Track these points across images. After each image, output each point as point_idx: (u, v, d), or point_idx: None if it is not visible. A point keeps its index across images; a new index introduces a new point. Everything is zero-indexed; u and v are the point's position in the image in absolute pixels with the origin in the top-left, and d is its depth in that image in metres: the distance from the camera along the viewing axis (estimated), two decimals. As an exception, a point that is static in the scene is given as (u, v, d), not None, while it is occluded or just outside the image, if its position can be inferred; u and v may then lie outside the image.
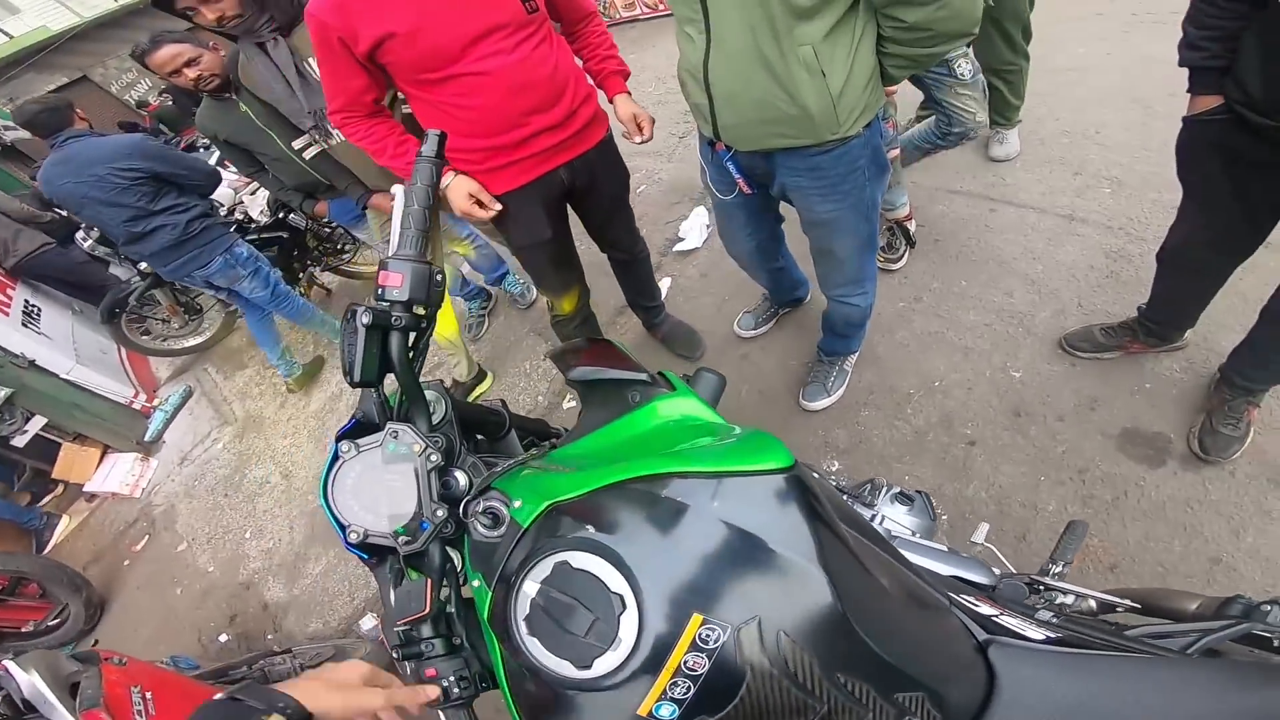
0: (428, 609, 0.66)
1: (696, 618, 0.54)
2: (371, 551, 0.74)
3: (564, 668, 0.56)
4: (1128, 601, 1.07)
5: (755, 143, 1.48)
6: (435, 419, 0.78)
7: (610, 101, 1.84)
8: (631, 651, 0.54)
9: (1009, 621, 0.80)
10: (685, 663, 0.53)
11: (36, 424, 3.69)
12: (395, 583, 0.73)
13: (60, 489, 4.03)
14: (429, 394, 0.80)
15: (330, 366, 3.85)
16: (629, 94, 1.83)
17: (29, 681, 1.53)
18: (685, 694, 0.53)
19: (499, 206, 1.71)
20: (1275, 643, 0.86)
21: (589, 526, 0.60)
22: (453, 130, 1.62)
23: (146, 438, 3.78)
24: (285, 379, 3.70)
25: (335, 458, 0.73)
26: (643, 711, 0.54)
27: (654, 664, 0.54)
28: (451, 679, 0.67)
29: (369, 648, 2.30)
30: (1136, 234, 2.37)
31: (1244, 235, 1.55)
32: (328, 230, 4.07)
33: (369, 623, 2.47)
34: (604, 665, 0.55)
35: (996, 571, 1.10)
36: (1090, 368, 2.04)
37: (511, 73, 1.52)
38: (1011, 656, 0.69)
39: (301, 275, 4.03)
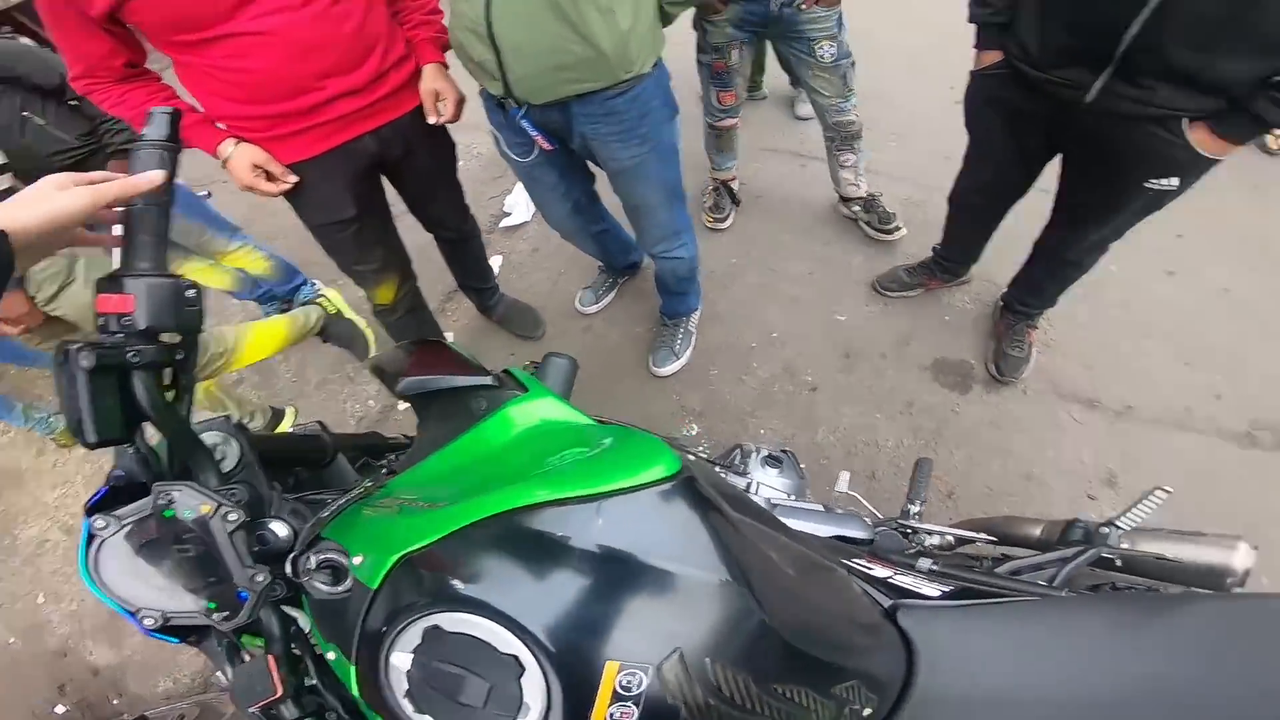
0: (278, 692, 0.54)
1: (611, 665, 0.47)
2: (183, 633, 0.60)
3: None
4: (983, 535, 1.18)
5: (549, 92, 1.42)
6: (227, 466, 0.62)
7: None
8: (544, 717, 0.47)
9: (904, 581, 0.82)
10: (611, 715, 0.47)
11: None
12: (230, 659, 0.61)
13: None
14: (210, 437, 0.63)
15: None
16: (443, 65, 1.59)
17: None
18: None
19: (293, 178, 1.47)
20: (1117, 562, 0.98)
21: (453, 581, 0.50)
22: (227, 98, 1.35)
23: None
24: (50, 438, 2.99)
25: (90, 536, 0.54)
26: None
27: None
28: None
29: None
30: (923, 183, 2.65)
31: (1018, 179, 1.77)
32: None
33: (222, 679, 2.14)
34: None
35: (869, 522, 1.15)
36: (900, 306, 2.28)
37: (299, 31, 1.29)
38: (919, 619, 0.70)
39: None
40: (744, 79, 2.26)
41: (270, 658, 0.55)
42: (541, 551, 0.49)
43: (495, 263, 2.87)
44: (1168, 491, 1.01)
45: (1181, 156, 1.35)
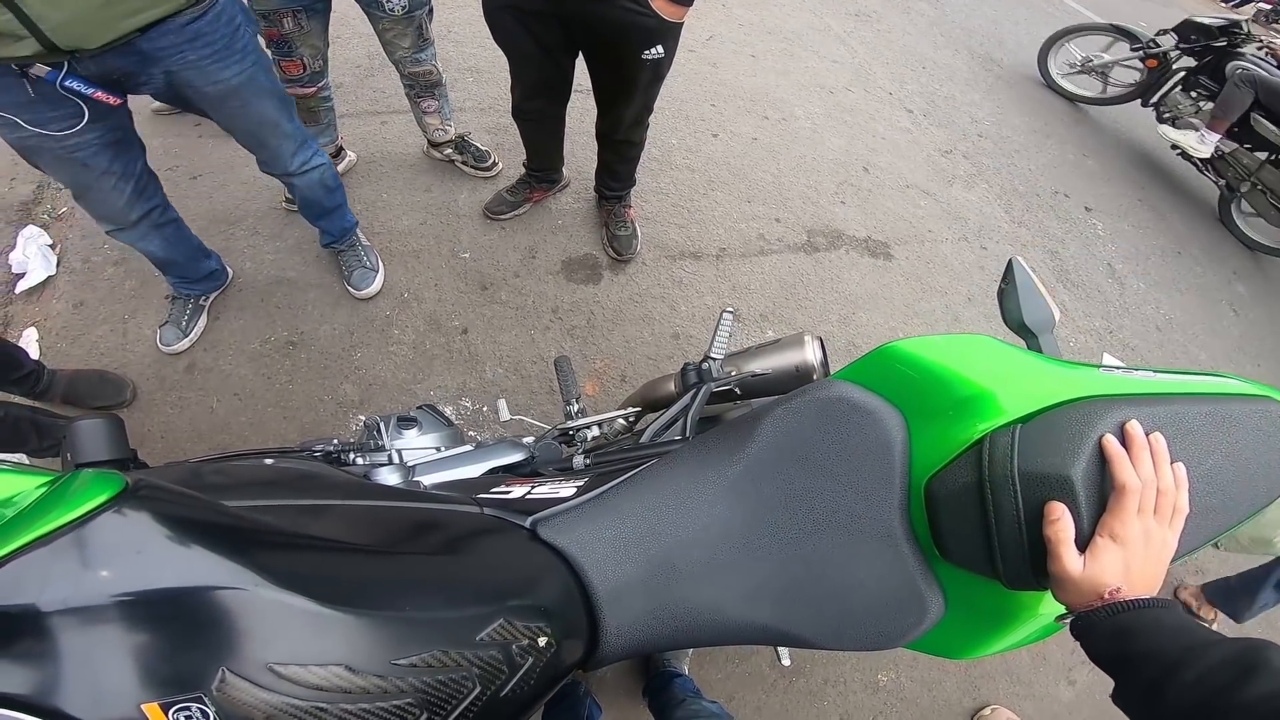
0: None
1: (150, 708, 0.40)
2: None
3: None
4: (634, 409, 1.24)
5: (108, 31, 1.22)
6: None
7: None
8: None
9: (542, 492, 0.80)
10: None
11: None
12: None
13: None
14: None
15: None
16: None
17: None
18: None
19: None
20: (737, 391, 1.07)
21: None
22: None
23: None
24: None
25: None
26: None
27: None
28: None
29: None
30: (498, 109, 2.68)
31: (555, 78, 1.86)
32: None
33: None
34: None
35: (529, 440, 1.14)
36: (516, 225, 2.30)
37: None
38: (557, 527, 0.69)
39: None
40: (314, 46, 1.95)
41: None
42: (7, 621, 0.40)
43: (29, 339, 2.14)
44: (731, 311, 1.13)
45: (654, 24, 1.55)
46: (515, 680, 0.53)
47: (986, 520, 0.61)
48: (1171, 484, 0.58)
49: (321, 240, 2.10)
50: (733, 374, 1.08)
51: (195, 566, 0.43)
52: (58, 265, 2.42)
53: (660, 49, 1.63)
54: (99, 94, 1.34)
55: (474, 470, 1.02)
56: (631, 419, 1.24)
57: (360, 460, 1.01)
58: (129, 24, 1.23)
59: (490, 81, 2.85)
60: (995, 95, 4.15)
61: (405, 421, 1.12)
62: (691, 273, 2.28)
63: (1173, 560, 0.60)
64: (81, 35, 1.20)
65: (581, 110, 2.02)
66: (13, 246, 2.44)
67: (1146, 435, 0.58)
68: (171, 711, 0.40)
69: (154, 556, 0.43)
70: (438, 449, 1.10)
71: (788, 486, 0.72)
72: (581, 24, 1.61)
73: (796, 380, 1.04)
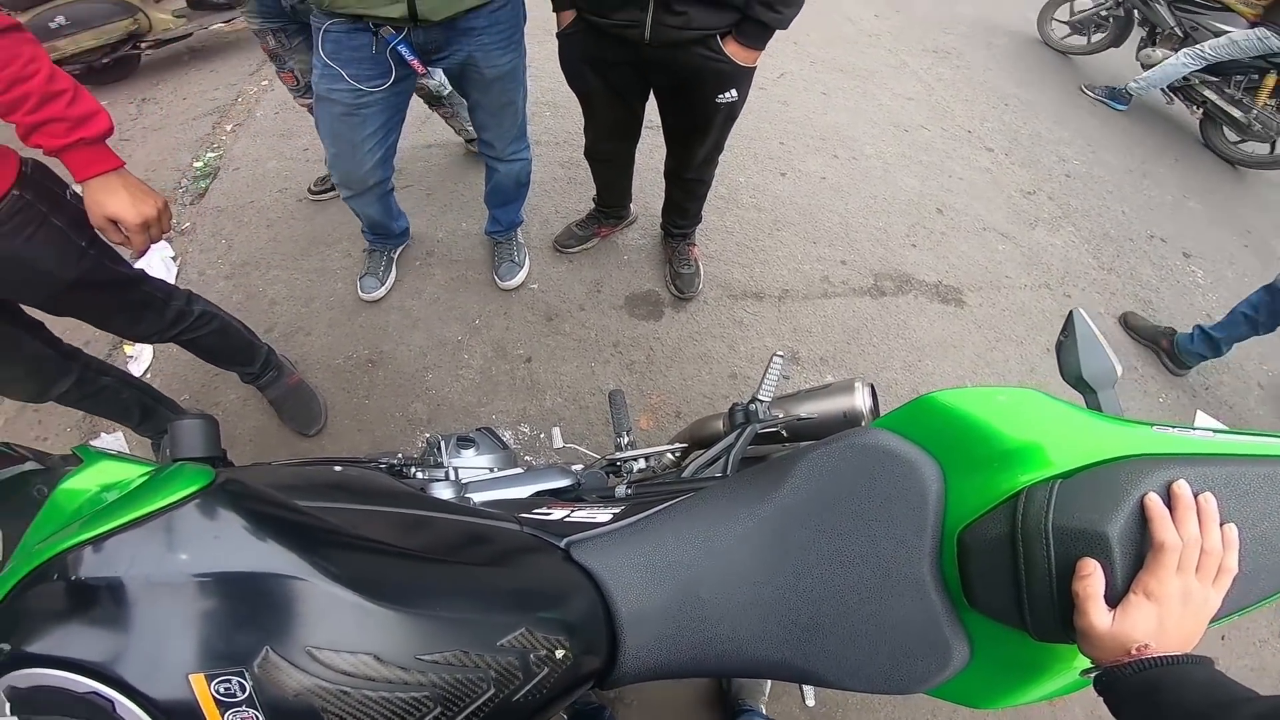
0: None
1: (196, 678, 0.46)
2: None
3: None
4: (681, 445, 1.26)
5: (453, 7, 1.50)
6: None
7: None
8: None
9: (580, 516, 0.84)
10: None
11: None
12: None
13: None
14: None
15: None
16: (110, 173, 1.16)
17: None
18: None
19: None
20: (781, 432, 1.08)
21: (3, 645, 0.48)
22: None
23: None
24: None
25: None
26: None
27: None
28: None
29: None
30: (573, 143, 2.79)
31: (627, 120, 1.94)
32: None
33: None
34: None
35: (577, 468, 1.18)
36: (584, 259, 2.39)
37: None
38: (591, 550, 0.72)
39: None
40: (303, 61, 2.15)
41: None
42: (85, 590, 0.48)
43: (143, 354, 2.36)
44: (782, 355, 1.14)
45: (728, 69, 1.59)
46: (529, 687, 0.56)
47: (1017, 571, 0.60)
48: (1218, 544, 0.56)
49: (487, 227, 2.34)
50: (780, 416, 1.09)
51: (262, 555, 0.49)
52: (176, 276, 2.68)
53: (734, 92, 1.68)
54: (415, 61, 1.58)
55: (522, 491, 1.07)
56: (678, 454, 1.27)
57: (419, 474, 1.08)
58: (467, 3, 1.49)
59: (566, 116, 2.97)
60: (1086, 133, 3.98)
61: (464, 442, 1.20)
62: (753, 313, 2.30)
63: (1215, 621, 0.58)
64: (434, 8, 1.46)
65: (650, 147, 2.08)
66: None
67: (1196, 495, 0.56)
68: (214, 683, 0.46)
69: (228, 544, 0.50)
70: (491, 469, 1.16)
71: (818, 528, 0.73)
72: (657, 70, 1.67)
73: (844, 426, 1.02)
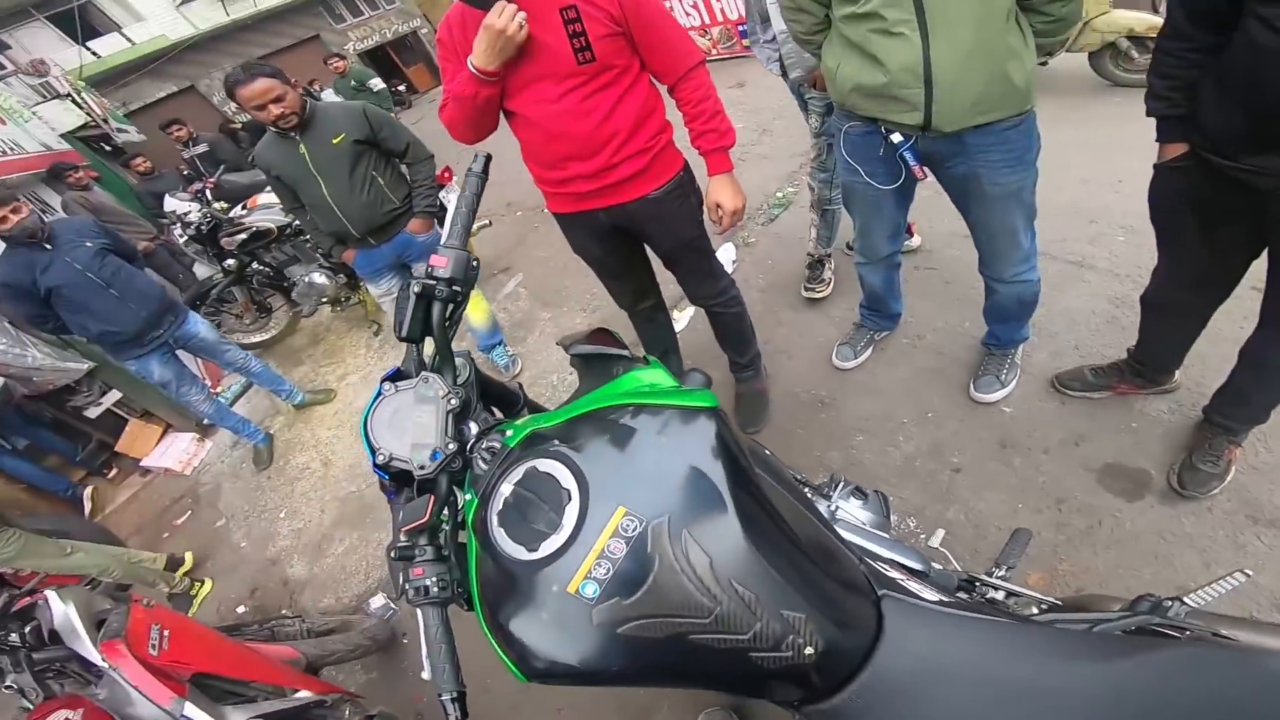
0: (427, 518, 0.78)
1: (620, 509, 0.67)
2: (392, 476, 0.88)
3: (519, 552, 0.70)
4: (1054, 601, 1.12)
5: (962, 121, 1.59)
6: (460, 379, 0.94)
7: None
8: (570, 536, 0.68)
9: (910, 585, 0.89)
10: (608, 547, 0.67)
11: (110, 399, 4.06)
12: (403, 507, 0.86)
13: (113, 472, 4.40)
14: (458, 359, 0.96)
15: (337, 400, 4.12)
16: (727, 174, 1.80)
17: (63, 612, 1.69)
18: (606, 574, 0.66)
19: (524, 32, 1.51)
20: (1182, 636, 0.90)
21: (555, 441, 0.77)
22: (524, 151, 1.80)
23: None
24: (300, 404, 4.02)
25: (378, 394, 0.89)
26: (571, 589, 0.66)
27: (585, 547, 0.67)
28: (433, 580, 0.77)
29: (372, 623, 2.44)
30: (1143, 281, 2.39)
31: (1217, 277, 1.60)
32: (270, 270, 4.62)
33: (378, 601, 2.62)
34: (547, 547, 0.69)
35: (938, 566, 1.17)
36: (1080, 406, 2.08)
37: (551, 120, 1.63)
38: (901, 610, 0.77)
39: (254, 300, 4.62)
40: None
41: (430, 497, 0.80)
42: (609, 431, 0.74)
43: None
44: (1248, 574, 0.92)
45: None
46: (767, 655, 0.67)
47: None
48: None
49: (985, 338, 2.30)
50: (1196, 626, 0.88)
51: (714, 467, 0.69)
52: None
53: None
54: (917, 167, 1.74)
55: (876, 549, 1.12)
56: (1044, 608, 1.11)
57: (808, 492, 1.25)
58: (976, 119, 1.57)
59: (1142, 248, 2.53)
60: None
61: (859, 493, 1.31)
62: (1266, 545, 1.64)
63: None
64: (949, 119, 1.58)
65: (1242, 309, 1.64)
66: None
67: None
68: (626, 517, 0.67)
69: (704, 446, 0.70)
70: (864, 524, 1.25)
71: None
72: None
73: None
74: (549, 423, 0.81)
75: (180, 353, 3.42)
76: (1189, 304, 1.73)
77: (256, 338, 4.82)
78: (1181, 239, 1.60)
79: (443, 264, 0.91)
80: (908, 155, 1.72)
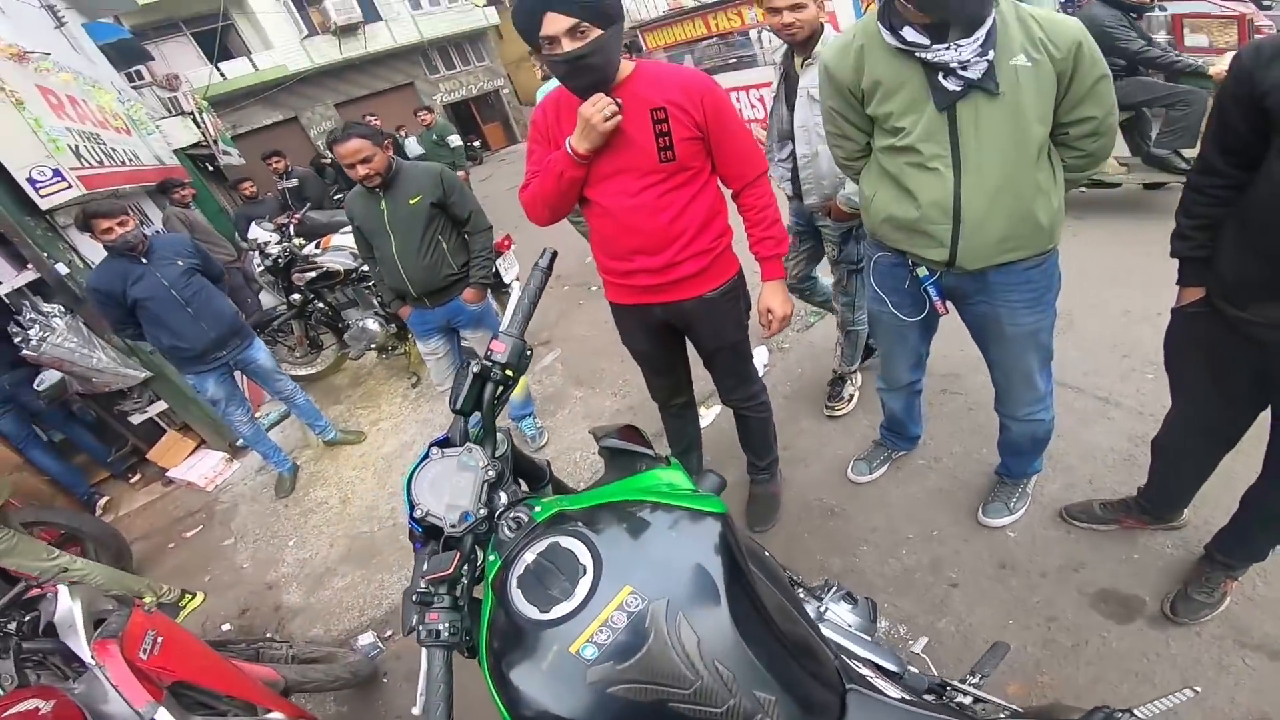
0: (450, 570, 0.86)
1: (627, 588, 0.76)
2: (424, 529, 0.96)
3: (531, 611, 0.79)
4: (1017, 710, 1.15)
5: (986, 259, 1.60)
6: (498, 452, 1.03)
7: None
8: (580, 605, 0.76)
9: (878, 682, 0.95)
10: (612, 618, 0.74)
11: (155, 408, 4.27)
12: (429, 559, 0.94)
13: (137, 477, 4.58)
14: (499, 435, 1.06)
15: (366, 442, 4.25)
16: (780, 280, 1.89)
17: (68, 607, 1.77)
18: (606, 640, 0.73)
19: (613, 123, 1.58)
20: None
21: (579, 522, 0.86)
22: (594, 240, 1.91)
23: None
24: (334, 441, 4.17)
25: (425, 456, 0.99)
26: (573, 649, 0.74)
27: (591, 615, 0.75)
28: (445, 625, 0.83)
29: (357, 658, 2.42)
30: (1151, 415, 2.43)
31: (1227, 425, 1.59)
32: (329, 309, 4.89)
33: (367, 638, 2.61)
34: (558, 611, 0.77)
35: (914, 670, 1.21)
36: (1084, 536, 2.08)
37: (626, 214, 1.70)
38: (863, 703, 0.85)
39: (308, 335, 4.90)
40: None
41: (456, 553, 0.88)
42: (627, 521, 0.85)
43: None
44: (1195, 691, 0.96)
45: None
46: None
47: None
48: None
49: (998, 468, 2.30)
50: None
51: (717, 566, 0.78)
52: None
53: None
54: (939, 302, 1.76)
55: (854, 648, 1.18)
56: (1007, 715, 1.13)
57: (800, 592, 1.32)
58: (999, 258, 1.57)
59: (1167, 388, 2.56)
60: None
61: (849, 597, 1.36)
62: (1251, 667, 1.58)
63: None
64: (974, 257, 1.58)
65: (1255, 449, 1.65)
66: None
67: None
68: (631, 595, 0.75)
69: (709, 548, 0.80)
70: (849, 627, 1.30)
71: None
72: None
73: None
74: (574, 505, 0.91)
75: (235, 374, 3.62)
76: (1198, 450, 1.72)
77: (303, 371, 5.06)
78: (1193, 386, 1.60)
79: (501, 350, 1.02)
80: (931, 290, 1.74)
